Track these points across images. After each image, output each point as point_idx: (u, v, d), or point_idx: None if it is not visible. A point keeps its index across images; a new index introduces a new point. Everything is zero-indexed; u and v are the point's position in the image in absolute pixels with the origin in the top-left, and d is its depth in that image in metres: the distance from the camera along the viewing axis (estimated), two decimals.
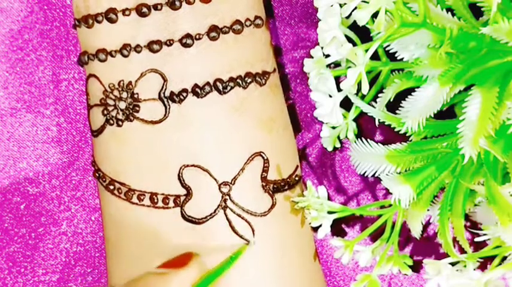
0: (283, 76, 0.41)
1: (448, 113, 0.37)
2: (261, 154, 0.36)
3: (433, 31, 0.32)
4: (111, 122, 0.36)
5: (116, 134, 0.36)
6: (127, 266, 0.37)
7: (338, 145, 0.40)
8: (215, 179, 0.35)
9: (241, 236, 0.36)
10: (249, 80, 0.36)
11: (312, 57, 0.36)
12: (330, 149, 0.40)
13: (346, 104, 0.37)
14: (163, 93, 0.35)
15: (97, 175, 0.38)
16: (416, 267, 0.42)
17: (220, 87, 0.35)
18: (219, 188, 0.35)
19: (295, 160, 0.39)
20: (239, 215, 0.36)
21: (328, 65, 0.36)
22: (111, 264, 0.38)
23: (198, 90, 0.35)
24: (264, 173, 0.36)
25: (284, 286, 0.37)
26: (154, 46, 0.35)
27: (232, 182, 0.35)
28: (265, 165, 0.36)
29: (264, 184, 0.36)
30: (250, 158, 0.36)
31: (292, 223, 0.37)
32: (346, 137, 0.39)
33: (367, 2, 0.31)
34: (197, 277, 0.34)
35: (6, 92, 0.42)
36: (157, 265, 0.35)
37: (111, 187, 0.37)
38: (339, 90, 0.35)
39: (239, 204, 0.36)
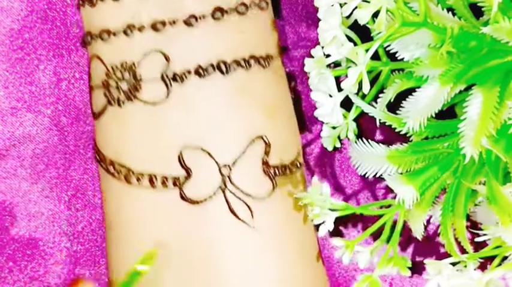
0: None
1: (449, 113, 0.37)
2: (263, 137, 0.36)
3: (433, 31, 0.32)
4: (113, 103, 0.36)
5: (117, 115, 0.36)
6: (126, 251, 0.37)
7: (338, 145, 0.40)
8: (215, 161, 0.35)
9: (239, 219, 0.35)
10: (253, 62, 0.36)
11: (313, 57, 0.36)
12: (330, 149, 0.40)
13: (346, 104, 0.37)
14: (166, 73, 0.35)
15: (97, 157, 0.38)
16: (417, 267, 0.42)
17: (224, 69, 0.35)
18: (219, 170, 0.35)
19: (297, 146, 0.38)
20: (239, 198, 0.35)
21: (328, 65, 0.36)
22: (110, 250, 0.38)
23: (201, 71, 0.35)
24: (265, 157, 0.36)
25: (282, 273, 0.36)
26: (157, 26, 0.35)
27: (233, 165, 0.35)
28: (267, 149, 0.36)
29: (265, 167, 0.36)
30: (252, 141, 0.36)
31: (293, 211, 0.37)
32: (347, 137, 0.39)
33: (368, 2, 0.31)
34: None
35: (7, 91, 0.42)
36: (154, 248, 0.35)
37: (111, 169, 0.36)
38: (339, 90, 0.35)
39: (239, 187, 0.35)
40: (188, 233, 0.35)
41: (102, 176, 0.38)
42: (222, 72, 0.35)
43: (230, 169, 0.35)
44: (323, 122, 0.39)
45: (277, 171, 0.36)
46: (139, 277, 0.33)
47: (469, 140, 0.31)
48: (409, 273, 0.37)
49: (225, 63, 0.35)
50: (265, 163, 0.36)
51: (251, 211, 0.35)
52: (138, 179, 0.36)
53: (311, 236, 0.38)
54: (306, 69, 0.36)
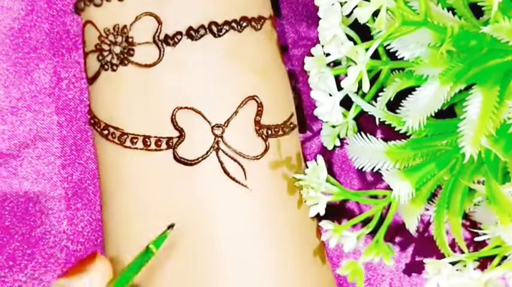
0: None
1: (449, 113, 0.37)
2: (255, 97, 0.36)
3: (433, 30, 0.32)
4: (106, 67, 0.36)
5: (110, 79, 0.36)
6: (120, 212, 0.37)
7: (338, 144, 0.40)
8: (208, 121, 0.35)
9: (233, 179, 0.35)
10: (245, 24, 0.36)
11: (313, 56, 0.36)
12: (330, 147, 0.40)
13: (346, 103, 0.37)
14: (158, 36, 0.35)
15: (92, 121, 0.38)
16: (417, 267, 0.42)
17: (215, 31, 0.35)
18: (212, 130, 0.35)
19: (291, 107, 0.38)
20: (231, 158, 0.35)
21: (328, 64, 0.36)
22: (105, 212, 0.38)
23: (192, 33, 0.35)
24: (257, 117, 0.36)
25: (273, 233, 0.36)
26: None
27: (225, 125, 0.35)
28: (259, 109, 0.36)
29: (257, 127, 0.36)
30: (244, 102, 0.36)
31: (284, 179, 0.37)
32: (346, 135, 0.39)
33: (368, 1, 0.31)
34: (104, 277, 0.34)
35: (7, 90, 0.42)
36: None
37: (105, 132, 0.37)
38: (339, 89, 0.35)
39: (232, 146, 0.35)
40: (181, 193, 0.35)
41: (97, 141, 0.38)
42: (213, 34, 0.35)
43: (223, 129, 0.35)
44: (323, 121, 0.39)
45: (270, 131, 0.36)
46: (151, 256, 0.34)
47: (469, 140, 0.31)
48: (392, 262, 0.37)
49: (216, 24, 0.35)
50: (257, 123, 0.36)
51: (244, 171, 0.35)
52: (132, 141, 0.36)
53: (306, 218, 0.38)
54: (305, 68, 0.36)
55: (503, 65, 0.32)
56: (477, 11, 0.34)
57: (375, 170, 0.35)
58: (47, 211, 0.42)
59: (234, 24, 0.35)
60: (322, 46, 0.34)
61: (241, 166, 0.35)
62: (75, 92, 0.42)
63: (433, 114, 0.32)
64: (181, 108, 0.35)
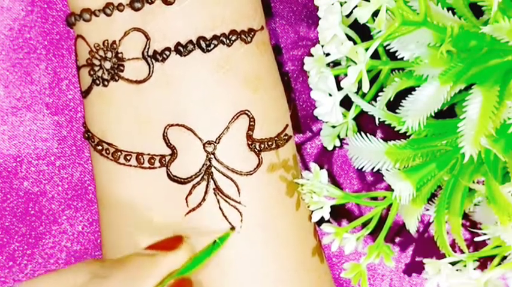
0: (284, 75, 0.42)
1: (449, 113, 0.37)
2: (246, 112, 0.36)
3: (433, 30, 0.32)
4: (98, 82, 0.36)
5: (102, 95, 0.36)
6: (118, 228, 0.37)
7: (338, 144, 0.40)
8: (199, 138, 0.35)
9: (226, 196, 0.35)
10: (234, 37, 0.35)
11: (313, 56, 0.36)
12: (329, 148, 0.40)
13: (346, 103, 0.37)
14: (147, 52, 0.35)
15: (86, 135, 0.38)
16: (417, 267, 0.42)
17: (204, 46, 0.35)
18: (204, 147, 0.35)
19: (285, 119, 0.38)
20: (224, 174, 0.35)
21: (328, 64, 0.36)
22: (103, 228, 0.38)
23: (180, 49, 0.35)
24: (249, 132, 0.36)
25: (272, 247, 0.36)
26: (136, 4, 0.35)
27: (217, 141, 0.35)
28: (251, 123, 0.36)
29: (249, 142, 0.36)
30: (235, 117, 0.35)
31: (283, 186, 0.37)
32: (346, 135, 0.39)
33: (368, 0, 0.31)
34: (186, 260, 0.34)
35: (7, 91, 0.42)
36: (145, 228, 0.35)
37: (99, 148, 0.36)
38: (339, 89, 0.35)
39: (224, 163, 0.35)
40: (176, 210, 0.35)
41: (92, 155, 0.38)
42: (202, 48, 0.35)
43: (214, 146, 0.35)
44: (323, 121, 0.39)
45: (263, 145, 0.36)
46: (217, 249, 0.34)
47: (469, 139, 0.31)
48: (393, 263, 0.37)
49: (205, 39, 0.35)
50: (249, 138, 0.36)
51: (237, 187, 0.35)
52: (126, 159, 0.36)
53: (304, 219, 0.38)
54: (305, 68, 0.36)
55: (503, 65, 0.32)
56: (477, 11, 0.34)
57: (374, 170, 0.35)
58: (47, 211, 0.42)
59: (223, 38, 0.35)
60: (322, 46, 0.34)
61: (235, 182, 0.35)
62: (75, 92, 0.42)
63: (433, 114, 0.32)
64: (172, 125, 0.35)
